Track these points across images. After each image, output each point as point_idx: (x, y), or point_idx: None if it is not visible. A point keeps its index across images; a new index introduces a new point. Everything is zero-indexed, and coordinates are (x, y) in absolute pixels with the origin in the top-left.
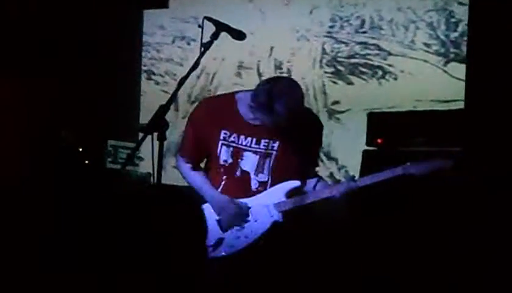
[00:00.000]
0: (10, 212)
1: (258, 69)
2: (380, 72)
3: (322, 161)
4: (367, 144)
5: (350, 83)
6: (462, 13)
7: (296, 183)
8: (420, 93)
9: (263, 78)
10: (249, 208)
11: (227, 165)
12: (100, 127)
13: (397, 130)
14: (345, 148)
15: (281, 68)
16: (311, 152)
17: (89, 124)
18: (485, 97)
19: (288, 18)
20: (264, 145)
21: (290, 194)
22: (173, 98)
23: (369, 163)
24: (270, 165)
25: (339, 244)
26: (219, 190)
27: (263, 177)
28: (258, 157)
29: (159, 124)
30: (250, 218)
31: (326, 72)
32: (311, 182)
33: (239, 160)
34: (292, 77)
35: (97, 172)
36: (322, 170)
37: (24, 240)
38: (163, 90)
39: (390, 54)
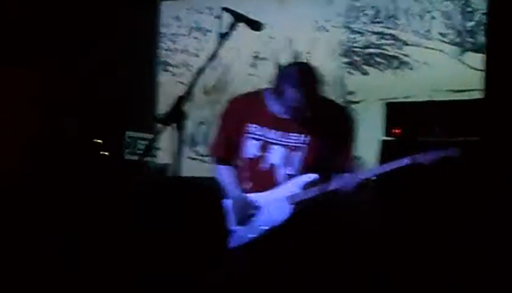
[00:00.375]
0: (18, 208)
1: (276, 61)
2: (396, 63)
3: None
4: (385, 134)
5: (366, 73)
6: (478, 2)
7: (313, 176)
8: (435, 83)
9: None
10: (255, 204)
11: (255, 158)
12: (118, 118)
13: (415, 120)
14: (360, 138)
15: (300, 59)
16: (341, 147)
17: (107, 116)
18: (504, 86)
19: (306, 9)
20: (292, 139)
21: (307, 187)
22: (191, 89)
23: (387, 153)
24: (299, 158)
25: (350, 236)
26: (247, 182)
27: (291, 170)
28: (286, 150)
29: (177, 115)
30: (262, 212)
31: (344, 63)
32: (340, 176)
33: (267, 153)
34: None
35: (115, 163)
36: None
37: (37, 233)
38: (179, 81)
39: (406, 43)
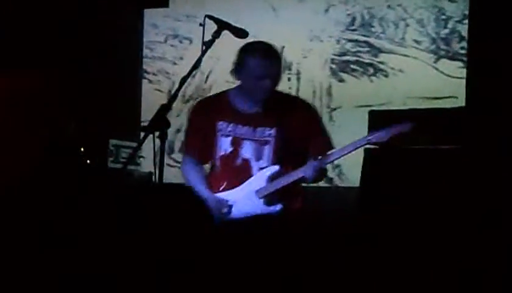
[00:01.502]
0: (13, 210)
1: None
2: (371, 70)
3: None
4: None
5: (342, 80)
6: (452, 10)
7: (274, 168)
8: (411, 90)
9: None
10: (227, 202)
11: (227, 154)
12: (101, 126)
13: None
14: (336, 145)
15: (290, 69)
16: (309, 137)
17: (91, 124)
18: (485, 94)
19: (301, 16)
20: (261, 132)
21: (272, 179)
22: (174, 97)
23: (370, 161)
24: (269, 151)
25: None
26: (222, 180)
27: (263, 163)
28: (256, 144)
29: (160, 123)
30: (234, 208)
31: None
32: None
33: (239, 148)
34: (301, 78)
35: (99, 172)
36: None
37: (24, 238)
38: (156, 89)
39: (381, 51)
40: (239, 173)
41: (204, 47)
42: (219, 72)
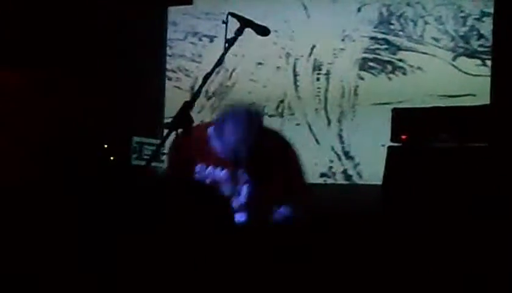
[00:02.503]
0: (29, 209)
1: (294, 68)
2: (390, 67)
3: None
4: (392, 140)
5: (361, 78)
6: (471, 7)
7: (242, 218)
8: (429, 88)
9: (298, 77)
10: None
11: None
12: (125, 124)
13: (422, 126)
14: (355, 143)
15: (320, 69)
16: (283, 180)
17: (115, 121)
18: (510, 91)
19: (333, 16)
20: (238, 175)
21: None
22: (198, 94)
23: (394, 159)
24: (247, 191)
25: None
26: None
27: (243, 199)
28: (233, 185)
29: (184, 120)
30: None
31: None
32: (283, 211)
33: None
34: (331, 78)
35: (122, 168)
36: (336, 166)
37: (43, 238)
38: (175, 86)
39: (399, 48)
40: None
41: (227, 45)
42: (243, 70)
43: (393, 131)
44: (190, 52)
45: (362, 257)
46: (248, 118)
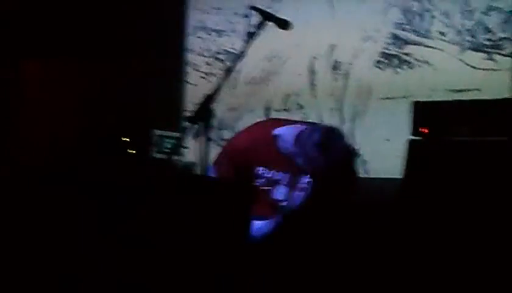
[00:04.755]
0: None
1: (311, 67)
2: (396, 61)
3: None
4: (412, 133)
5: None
6: (477, 1)
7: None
8: (435, 82)
9: (315, 77)
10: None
11: (260, 188)
12: (145, 117)
13: (443, 119)
14: (361, 137)
15: (339, 69)
16: (342, 184)
17: (135, 114)
18: None
19: (358, 15)
20: (299, 181)
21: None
22: (219, 88)
23: (414, 152)
24: (301, 197)
25: None
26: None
27: (293, 204)
28: (291, 189)
29: (205, 113)
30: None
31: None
32: None
33: (272, 188)
34: (349, 78)
35: (142, 161)
36: None
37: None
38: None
39: (406, 42)
40: (266, 208)
41: (248, 39)
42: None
43: (413, 124)
44: (198, 47)
45: (381, 250)
46: (335, 140)
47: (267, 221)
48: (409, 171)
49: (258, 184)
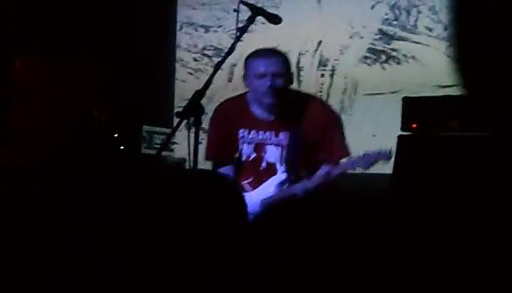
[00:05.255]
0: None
1: (298, 63)
2: (384, 57)
3: None
4: (402, 129)
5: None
6: None
7: (281, 177)
8: (423, 78)
9: (301, 72)
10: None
11: (251, 159)
12: (134, 113)
13: (432, 114)
14: (348, 132)
15: (325, 65)
16: (323, 141)
17: (124, 110)
18: None
19: (345, 12)
20: (282, 137)
21: (280, 187)
22: (208, 84)
23: (404, 148)
24: (288, 155)
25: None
26: (248, 182)
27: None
28: (279, 148)
29: (195, 109)
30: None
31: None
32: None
33: (263, 153)
34: (335, 75)
35: (132, 157)
36: None
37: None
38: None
39: (393, 38)
40: (264, 176)
41: (238, 33)
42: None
43: (403, 120)
44: (185, 43)
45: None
46: (272, 49)
47: (252, 192)
48: (399, 166)
49: (245, 156)
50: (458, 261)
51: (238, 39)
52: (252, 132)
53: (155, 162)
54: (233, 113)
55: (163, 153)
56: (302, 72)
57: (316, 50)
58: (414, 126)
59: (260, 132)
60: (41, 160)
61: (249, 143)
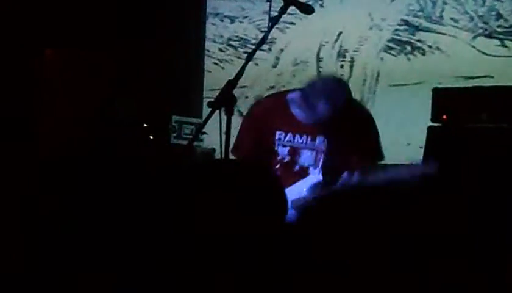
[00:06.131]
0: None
1: (318, 54)
2: (409, 48)
3: None
4: (432, 120)
5: (380, 58)
6: None
7: (317, 178)
8: (448, 69)
9: (321, 63)
10: None
11: (284, 161)
12: (164, 102)
13: (462, 106)
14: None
15: (344, 56)
16: (359, 146)
17: (154, 100)
18: None
19: (366, 3)
20: (318, 142)
21: (313, 188)
22: (241, 73)
23: (434, 139)
24: (324, 160)
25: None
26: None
27: (320, 171)
28: (314, 153)
29: (227, 99)
30: None
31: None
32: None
33: (297, 157)
34: (354, 66)
35: (161, 147)
36: None
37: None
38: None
39: (418, 29)
40: (296, 178)
41: (271, 23)
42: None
43: (433, 111)
44: (211, 33)
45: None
46: (338, 87)
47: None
48: (428, 157)
49: (280, 157)
50: (489, 254)
51: (270, 29)
52: (289, 135)
53: (187, 151)
54: (271, 112)
55: (193, 143)
56: (321, 63)
57: (336, 41)
58: (445, 117)
59: (297, 136)
60: (69, 153)
61: (284, 146)
